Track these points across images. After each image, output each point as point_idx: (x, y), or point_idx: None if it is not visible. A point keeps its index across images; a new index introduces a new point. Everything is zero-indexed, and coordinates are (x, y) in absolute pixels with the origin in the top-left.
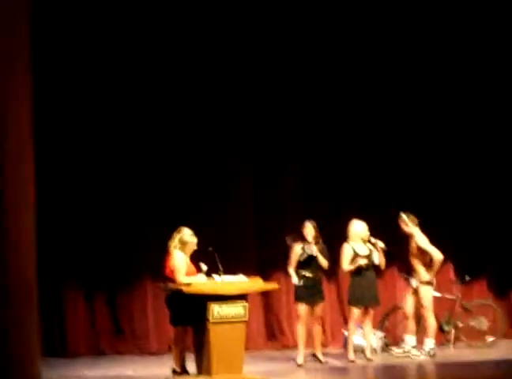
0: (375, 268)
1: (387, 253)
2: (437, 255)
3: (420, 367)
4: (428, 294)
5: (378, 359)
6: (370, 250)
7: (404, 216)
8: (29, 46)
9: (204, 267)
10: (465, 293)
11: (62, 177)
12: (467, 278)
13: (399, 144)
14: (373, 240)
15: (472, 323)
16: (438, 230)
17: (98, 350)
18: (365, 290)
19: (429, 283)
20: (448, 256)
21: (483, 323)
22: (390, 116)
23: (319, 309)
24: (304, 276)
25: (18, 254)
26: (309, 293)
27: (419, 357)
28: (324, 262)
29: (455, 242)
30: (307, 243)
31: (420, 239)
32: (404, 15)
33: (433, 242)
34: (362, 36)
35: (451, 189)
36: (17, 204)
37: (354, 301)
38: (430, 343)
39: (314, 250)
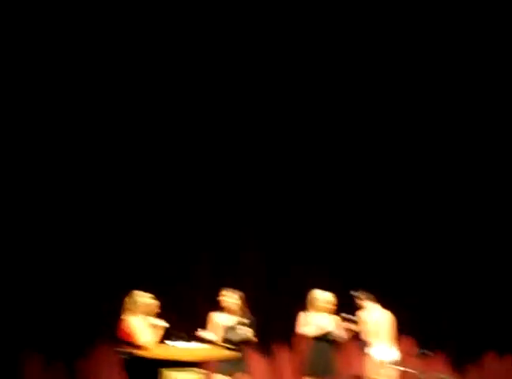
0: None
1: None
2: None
3: None
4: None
5: None
6: (333, 324)
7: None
8: None
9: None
10: (424, 367)
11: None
12: (425, 352)
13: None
14: (346, 316)
15: None
16: (400, 303)
17: None
18: (321, 360)
19: None
20: (408, 329)
21: None
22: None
23: None
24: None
25: None
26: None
27: None
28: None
29: (415, 315)
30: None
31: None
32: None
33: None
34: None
35: (414, 264)
36: None
37: (310, 371)
38: None
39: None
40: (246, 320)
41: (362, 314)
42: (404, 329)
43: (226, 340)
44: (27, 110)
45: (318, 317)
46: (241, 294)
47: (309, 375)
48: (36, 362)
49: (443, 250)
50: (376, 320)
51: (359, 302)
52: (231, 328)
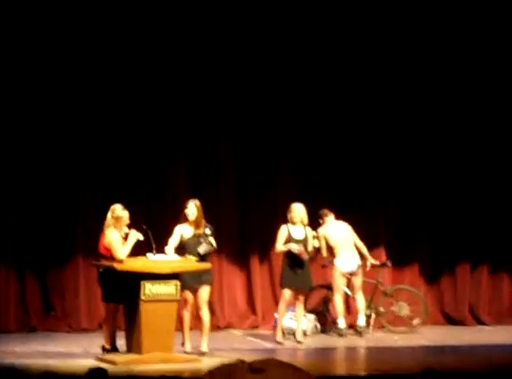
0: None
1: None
2: None
3: (349, 350)
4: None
5: (309, 342)
6: (307, 235)
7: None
8: None
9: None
10: (396, 278)
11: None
12: (388, 263)
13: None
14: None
15: (393, 308)
16: (374, 214)
17: (29, 327)
18: (297, 273)
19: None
20: (380, 240)
21: (403, 308)
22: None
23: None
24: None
25: None
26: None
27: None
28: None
29: (388, 227)
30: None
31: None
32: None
33: (367, 226)
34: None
35: (386, 169)
36: None
37: (285, 283)
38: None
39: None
40: (209, 231)
41: (322, 230)
42: (377, 239)
43: (192, 253)
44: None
45: (294, 229)
46: (197, 203)
47: (284, 287)
48: (10, 274)
49: (419, 157)
50: (336, 234)
51: (322, 219)
52: (196, 241)
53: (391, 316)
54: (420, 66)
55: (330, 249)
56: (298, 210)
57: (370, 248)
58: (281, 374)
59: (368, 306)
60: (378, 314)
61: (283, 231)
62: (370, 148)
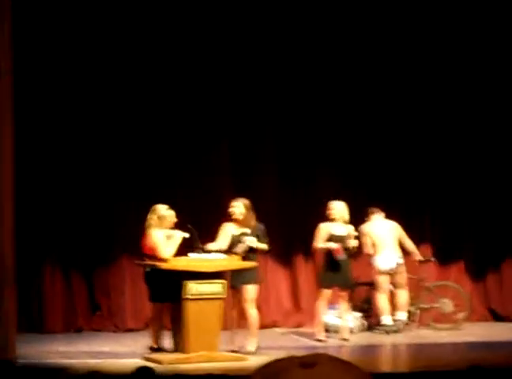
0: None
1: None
2: None
3: (394, 347)
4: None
5: (355, 339)
6: (348, 233)
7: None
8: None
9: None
10: (442, 275)
11: (38, 153)
12: (433, 258)
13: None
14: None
15: (437, 305)
16: (420, 210)
17: (75, 327)
18: (336, 272)
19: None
20: (425, 238)
21: (447, 305)
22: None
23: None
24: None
25: None
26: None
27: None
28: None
29: (434, 224)
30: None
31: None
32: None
33: (413, 223)
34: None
35: (433, 169)
36: None
37: (322, 283)
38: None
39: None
40: (248, 231)
41: (365, 227)
42: (423, 236)
43: (232, 252)
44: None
45: (333, 227)
46: (246, 202)
47: (321, 287)
48: (57, 273)
49: (462, 155)
50: (379, 231)
51: (368, 216)
52: (236, 240)
53: (434, 312)
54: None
55: (373, 246)
56: (337, 207)
57: (416, 245)
58: (332, 369)
59: (411, 303)
60: (421, 311)
61: (322, 229)
62: (418, 145)
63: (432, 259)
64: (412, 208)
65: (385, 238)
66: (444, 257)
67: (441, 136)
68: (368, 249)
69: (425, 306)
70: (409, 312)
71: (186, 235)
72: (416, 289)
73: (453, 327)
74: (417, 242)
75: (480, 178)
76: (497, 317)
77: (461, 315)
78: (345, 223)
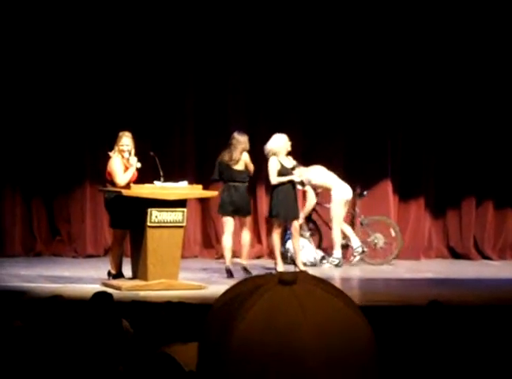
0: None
1: None
2: None
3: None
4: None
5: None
6: (294, 165)
7: None
8: None
9: (134, 160)
10: (402, 212)
11: (10, 77)
12: (364, 193)
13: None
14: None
15: (369, 239)
16: (380, 149)
17: (34, 252)
18: (289, 204)
19: None
20: (386, 173)
21: (379, 240)
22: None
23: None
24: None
25: None
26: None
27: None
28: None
29: (394, 160)
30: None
31: None
32: None
33: (374, 159)
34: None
35: (394, 102)
36: None
37: (277, 214)
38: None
39: None
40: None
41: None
42: (384, 172)
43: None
44: None
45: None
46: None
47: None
48: (17, 198)
49: (426, 89)
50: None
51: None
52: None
53: (368, 247)
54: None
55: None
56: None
57: (376, 181)
58: (313, 286)
59: (343, 237)
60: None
61: (274, 163)
62: (378, 79)
63: (364, 193)
64: (373, 143)
65: (332, 175)
66: (404, 193)
67: (405, 65)
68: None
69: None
70: (342, 246)
71: (138, 165)
72: (350, 224)
73: (383, 262)
74: (376, 177)
75: (442, 111)
76: (455, 255)
77: (392, 251)
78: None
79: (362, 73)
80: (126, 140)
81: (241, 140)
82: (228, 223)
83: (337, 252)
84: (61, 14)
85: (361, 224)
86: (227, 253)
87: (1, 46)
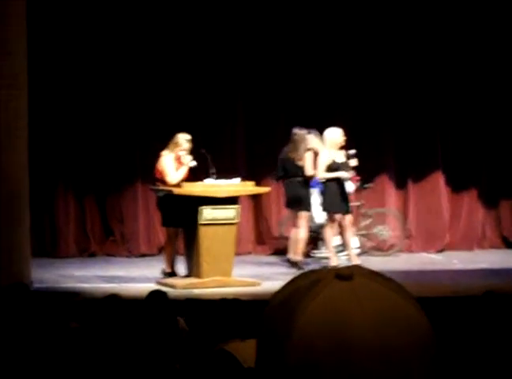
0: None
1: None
2: None
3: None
4: None
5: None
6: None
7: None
8: None
9: (188, 158)
10: (455, 203)
11: (54, 78)
12: (370, 185)
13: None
14: (351, 152)
15: (373, 231)
16: (430, 139)
17: (88, 252)
18: (339, 197)
19: None
20: (438, 165)
21: (384, 232)
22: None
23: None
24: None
25: (10, 155)
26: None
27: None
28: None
29: (446, 151)
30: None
31: None
32: None
33: (425, 150)
34: None
35: (444, 94)
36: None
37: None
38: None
39: None
40: None
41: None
42: (436, 164)
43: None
44: None
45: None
46: None
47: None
48: (70, 198)
49: (474, 78)
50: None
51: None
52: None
53: (373, 239)
54: None
55: None
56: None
57: (427, 172)
58: (371, 281)
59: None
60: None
61: (325, 157)
62: (424, 70)
63: (370, 185)
64: (423, 135)
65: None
66: (457, 185)
67: (452, 60)
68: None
69: (363, 233)
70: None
71: (192, 162)
72: (355, 215)
73: (388, 254)
74: (427, 168)
75: (493, 102)
76: (509, 245)
77: (397, 243)
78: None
79: (409, 66)
80: (186, 144)
81: (303, 136)
82: (307, 218)
83: (354, 240)
84: (128, 15)
85: (363, 215)
86: (302, 246)
87: (70, 45)
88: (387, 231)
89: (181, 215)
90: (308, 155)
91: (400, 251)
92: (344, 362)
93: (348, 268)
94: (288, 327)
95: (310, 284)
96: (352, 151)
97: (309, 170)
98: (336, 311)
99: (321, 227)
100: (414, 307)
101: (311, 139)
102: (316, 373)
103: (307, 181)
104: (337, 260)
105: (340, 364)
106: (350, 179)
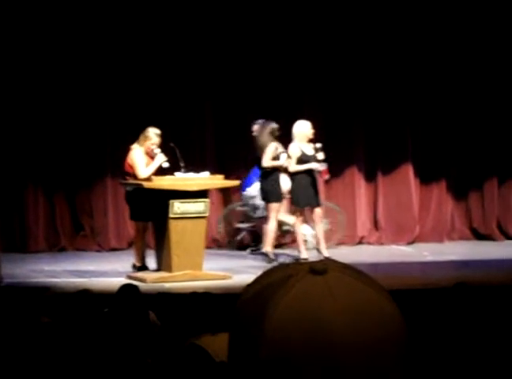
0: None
1: None
2: None
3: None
4: None
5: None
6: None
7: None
8: None
9: (158, 151)
10: (424, 194)
11: (19, 74)
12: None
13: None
14: (318, 145)
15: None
16: (399, 131)
17: (58, 247)
18: (311, 190)
19: None
20: (407, 156)
21: (323, 225)
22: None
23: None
24: None
25: None
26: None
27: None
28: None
29: (415, 143)
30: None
31: None
32: None
33: (394, 141)
34: None
35: (414, 85)
36: None
37: (297, 201)
38: None
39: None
40: None
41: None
42: (405, 156)
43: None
44: None
45: (303, 147)
46: None
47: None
48: (39, 194)
49: (443, 70)
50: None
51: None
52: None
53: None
54: None
55: None
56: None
57: (397, 164)
58: (345, 276)
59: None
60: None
61: (295, 150)
62: (395, 65)
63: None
64: (392, 128)
65: None
66: (426, 177)
67: (422, 52)
68: None
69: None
70: (288, 231)
71: (165, 163)
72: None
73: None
74: (397, 160)
75: (462, 94)
76: (479, 236)
77: (335, 236)
78: (309, 141)
79: (379, 59)
80: (156, 139)
81: (260, 130)
82: (276, 209)
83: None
84: (94, 12)
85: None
86: (272, 238)
87: (24, 42)
88: (326, 224)
89: (150, 209)
90: (269, 148)
91: (338, 244)
92: (318, 357)
93: (321, 262)
94: (260, 321)
95: (284, 278)
96: (319, 145)
97: (264, 162)
98: (310, 305)
99: (262, 220)
100: (387, 300)
101: (265, 131)
102: (289, 367)
103: (274, 173)
104: (307, 254)
105: (313, 358)
106: (321, 172)
